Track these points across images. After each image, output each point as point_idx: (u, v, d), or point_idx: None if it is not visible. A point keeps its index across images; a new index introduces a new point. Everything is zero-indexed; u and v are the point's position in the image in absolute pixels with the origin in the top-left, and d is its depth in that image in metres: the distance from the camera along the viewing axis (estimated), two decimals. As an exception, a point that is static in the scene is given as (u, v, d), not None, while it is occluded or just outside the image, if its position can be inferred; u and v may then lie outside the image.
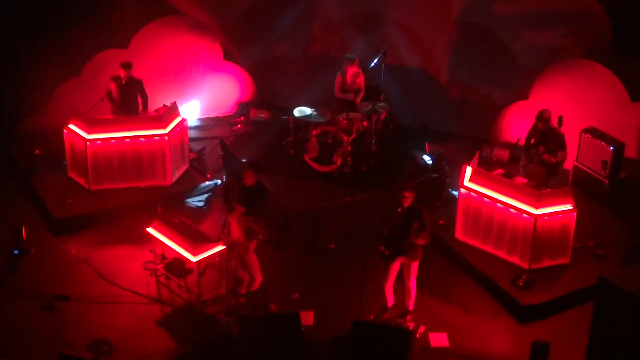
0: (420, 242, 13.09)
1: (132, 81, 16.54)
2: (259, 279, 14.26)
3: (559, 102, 16.81)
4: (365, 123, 16.66)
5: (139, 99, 16.69)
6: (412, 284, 13.61)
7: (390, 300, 13.78)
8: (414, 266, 13.44)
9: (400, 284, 13.65)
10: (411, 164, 16.93)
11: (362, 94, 17.15)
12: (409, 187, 13.13)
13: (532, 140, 15.49)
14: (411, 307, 13.77)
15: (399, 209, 13.09)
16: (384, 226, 13.27)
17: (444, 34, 18.22)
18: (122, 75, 16.43)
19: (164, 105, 16.83)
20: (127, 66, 16.42)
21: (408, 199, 13.01)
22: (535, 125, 15.48)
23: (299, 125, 16.91)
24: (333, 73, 17.23)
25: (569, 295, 14.21)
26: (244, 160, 16.29)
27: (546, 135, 15.31)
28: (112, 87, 16.52)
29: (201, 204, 16.18)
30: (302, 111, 16.61)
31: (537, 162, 15.34)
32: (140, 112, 16.69)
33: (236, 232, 13.86)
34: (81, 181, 16.48)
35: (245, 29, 19.14)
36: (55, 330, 13.42)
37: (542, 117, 15.28)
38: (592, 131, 16.45)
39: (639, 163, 16.63)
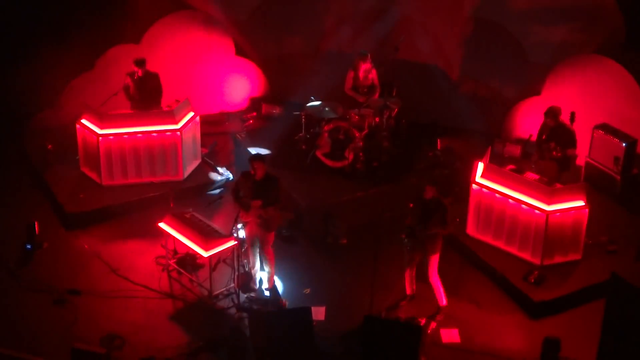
0: (443, 231, 13.32)
1: (149, 75, 16.54)
2: (272, 275, 14.30)
3: (572, 98, 16.78)
4: (377, 119, 16.66)
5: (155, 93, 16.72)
6: (434, 279, 13.69)
7: (409, 288, 13.87)
8: (434, 259, 13.53)
9: (426, 283, 13.76)
10: (423, 159, 16.95)
11: (378, 90, 17.13)
12: (432, 182, 13.37)
13: (544, 136, 15.45)
14: (441, 303, 13.84)
15: (423, 200, 13.29)
16: (408, 216, 13.45)
17: (456, 29, 18.19)
18: (137, 72, 16.42)
19: (176, 101, 16.83)
20: (140, 63, 16.41)
21: (430, 192, 13.18)
22: (545, 122, 15.45)
23: (311, 121, 16.92)
24: (345, 68, 17.23)
25: (581, 291, 14.20)
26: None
27: (557, 131, 15.27)
28: (129, 82, 16.53)
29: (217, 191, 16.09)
30: (313, 104, 16.65)
31: (549, 158, 15.31)
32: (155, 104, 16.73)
33: (253, 228, 13.88)
34: (93, 176, 16.51)
35: (257, 25, 19.15)
36: (68, 325, 13.48)
37: (551, 114, 15.24)
38: (605, 127, 16.41)
39: (651, 159, 16.60)
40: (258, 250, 14.11)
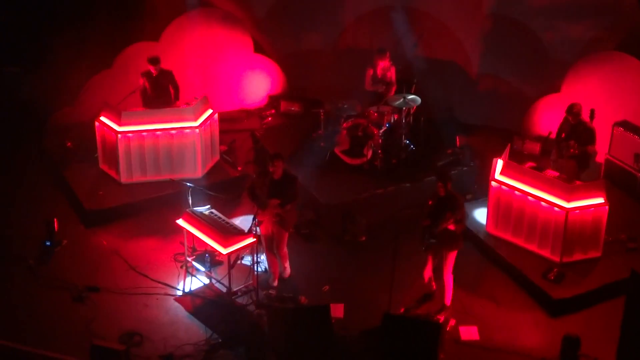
0: (451, 227, 13.14)
1: (163, 73, 16.58)
2: (288, 271, 14.35)
3: (591, 95, 16.71)
4: (396, 116, 16.64)
5: (171, 90, 16.72)
6: (447, 277, 13.63)
7: (433, 285, 13.84)
8: (450, 256, 13.46)
9: (438, 279, 13.71)
10: (442, 156, 16.93)
11: (394, 87, 17.11)
12: (443, 178, 13.23)
13: (563, 134, 15.40)
14: (448, 302, 13.78)
15: (436, 197, 13.18)
16: (424, 217, 13.34)
17: (476, 26, 18.14)
18: (152, 70, 16.45)
19: (195, 98, 16.85)
20: (154, 61, 16.44)
21: (442, 188, 13.10)
22: (565, 119, 15.40)
23: (329, 118, 16.91)
24: (364, 65, 17.21)
25: (600, 288, 14.15)
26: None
27: (576, 129, 15.22)
28: (145, 82, 16.55)
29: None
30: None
31: (568, 156, 15.26)
32: (172, 101, 16.75)
33: (268, 227, 13.91)
34: (112, 173, 16.56)
35: (276, 22, 19.16)
36: (87, 322, 13.52)
37: (572, 111, 15.18)
38: (625, 124, 16.35)
39: (672, 156, 16.50)
40: (274, 248, 14.16)
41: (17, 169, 17.13)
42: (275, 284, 14.32)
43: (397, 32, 18.10)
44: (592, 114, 15.44)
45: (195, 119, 16.37)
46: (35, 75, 17.61)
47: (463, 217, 13.46)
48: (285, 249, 14.18)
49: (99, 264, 14.87)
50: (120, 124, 16.15)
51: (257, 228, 13.98)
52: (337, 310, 13.72)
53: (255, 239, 13.90)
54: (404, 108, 16.57)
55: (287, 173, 13.83)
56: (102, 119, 16.41)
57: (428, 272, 13.77)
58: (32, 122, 17.69)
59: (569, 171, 14.99)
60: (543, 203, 14.46)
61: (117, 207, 16.00)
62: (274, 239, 14.10)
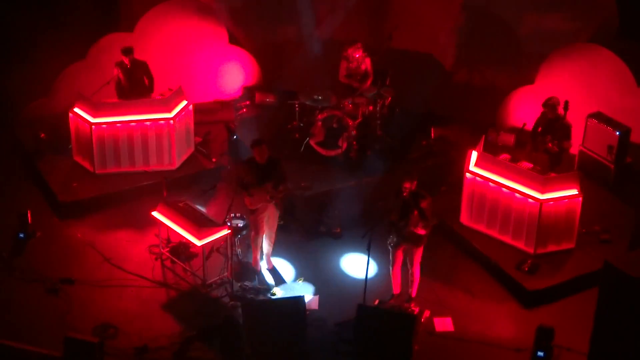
0: (420, 231, 13.10)
1: (137, 63, 16.52)
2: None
3: (565, 86, 16.76)
4: (370, 107, 16.64)
5: (146, 81, 16.67)
6: (416, 271, 13.61)
7: (396, 287, 13.80)
8: (418, 252, 13.44)
9: (406, 270, 13.69)
10: (417, 148, 16.95)
11: (370, 78, 17.10)
12: (409, 177, 13.10)
13: (540, 128, 15.44)
14: (414, 294, 13.77)
15: (402, 196, 13.12)
16: (391, 212, 13.29)
17: (450, 17, 18.17)
18: (125, 61, 16.40)
19: (169, 89, 16.80)
20: (127, 52, 16.38)
21: (408, 188, 13.01)
22: (543, 114, 15.43)
23: (304, 110, 16.90)
24: (339, 57, 17.21)
25: (574, 280, 14.22)
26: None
27: (553, 125, 15.27)
28: (119, 73, 16.48)
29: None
30: None
31: (542, 151, 15.31)
32: (146, 93, 16.69)
33: (263, 213, 13.93)
34: (86, 165, 16.49)
35: (251, 13, 19.11)
36: (61, 314, 13.47)
37: (548, 104, 15.22)
38: (598, 116, 16.41)
39: (645, 148, 16.61)
40: (262, 239, 14.21)
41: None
42: (259, 272, 14.34)
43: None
44: (566, 105, 15.50)
45: (170, 110, 16.33)
46: (8, 66, 17.49)
47: (431, 222, 13.33)
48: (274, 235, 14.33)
49: (73, 256, 14.82)
50: (94, 115, 16.08)
51: (235, 220, 14.03)
52: (312, 303, 13.73)
53: (230, 231, 13.90)
54: (379, 99, 16.58)
55: (271, 156, 13.84)
56: (76, 110, 16.34)
57: (397, 271, 13.70)
58: (6, 113, 17.59)
59: (541, 165, 15.04)
60: (517, 194, 14.51)
61: (91, 198, 15.94)
62: (265, 229, 14.16)
